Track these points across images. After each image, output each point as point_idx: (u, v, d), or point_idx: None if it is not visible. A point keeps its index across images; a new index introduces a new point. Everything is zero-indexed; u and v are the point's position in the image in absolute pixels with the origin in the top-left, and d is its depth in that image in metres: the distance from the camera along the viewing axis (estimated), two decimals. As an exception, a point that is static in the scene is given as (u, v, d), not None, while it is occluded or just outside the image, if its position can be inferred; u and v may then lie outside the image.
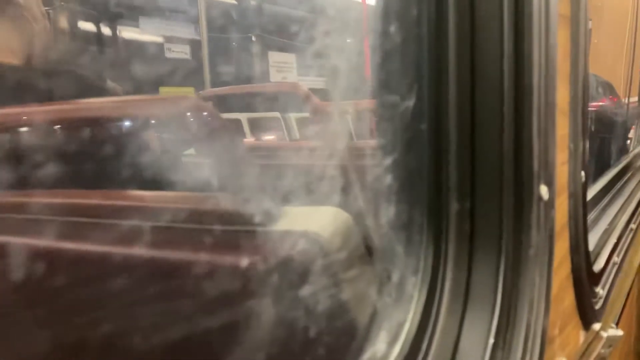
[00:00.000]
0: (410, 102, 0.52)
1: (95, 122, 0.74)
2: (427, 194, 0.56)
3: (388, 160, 0.53)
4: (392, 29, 0.51)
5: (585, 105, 0.75)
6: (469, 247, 0.56)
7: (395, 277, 0.53)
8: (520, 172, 0.55)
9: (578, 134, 0.73)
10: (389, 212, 0.54)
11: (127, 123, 0.76)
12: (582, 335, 0.80)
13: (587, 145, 0.78)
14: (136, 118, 0.74)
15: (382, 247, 0.56)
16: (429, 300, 0.54)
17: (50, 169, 0.73)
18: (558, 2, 0.62)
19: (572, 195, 0.73)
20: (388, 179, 0.53)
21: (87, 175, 0.79)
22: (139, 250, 0.80)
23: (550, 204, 0.59)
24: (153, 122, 0.71)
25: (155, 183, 0.84)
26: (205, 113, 0.76)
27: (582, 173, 0.75)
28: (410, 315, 0.53)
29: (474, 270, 0.56)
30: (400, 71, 0.53)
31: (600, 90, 2.04)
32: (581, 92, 0.73)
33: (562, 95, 0.70)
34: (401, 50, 0.52)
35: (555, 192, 0.60)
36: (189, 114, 0.74)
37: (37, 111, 0.77)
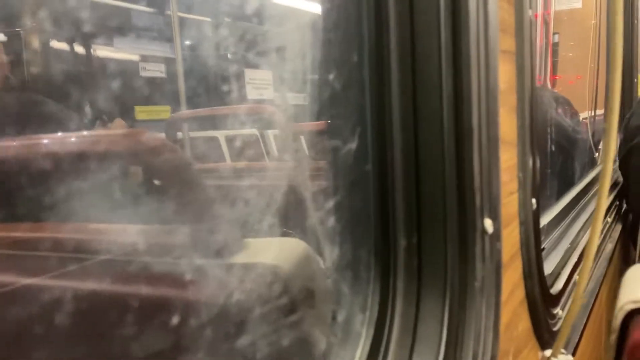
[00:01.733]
0: (353, 145, 0.54)
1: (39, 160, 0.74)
2: (374, 232, 0.57)
3: (332, 202, 0.54)
4: (332, 76, 0.52)
5: (533, 134, 0.77)
6: (417, 283, 0.58)
7: (342, 316, 0.54)
8: (463, 207, 0.57)
9: (527, 163, 0.75)
10: (334, 252, 0.55)
11: (80, 160, 0.76)
12: (539, 358, 0.82)
13: (538, 173, 0.80)
14: (87, 155, 0.74)
15: (329, 286, 0.57)
16: (377, 338, 0.55)
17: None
18: (500, 38, 0.64)
19: (523, 224, 0.74)
20: (333, 220, 0.54)
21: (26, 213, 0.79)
22: (104, 285, 0.80)
23: (495, 236, 0.61)
24: (103, 159, 0.72)
25: (117, 217, 0.84)
26: (160, 150, 0.77)
27: (533, 200, 0.77)
28: (358, 353, 0.54)
29: (421, 305, 0.57)
30: (342, 116, 0.54)
31: (560, 109, 2.09)
32: (529, 122, 0.75)
33: (510, 127, 0.72)
34: (342, 95, 0.53)
35: (500, 225, 0.62)
36: (142, 151, 0.75)
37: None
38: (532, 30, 0.77)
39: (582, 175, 2.00)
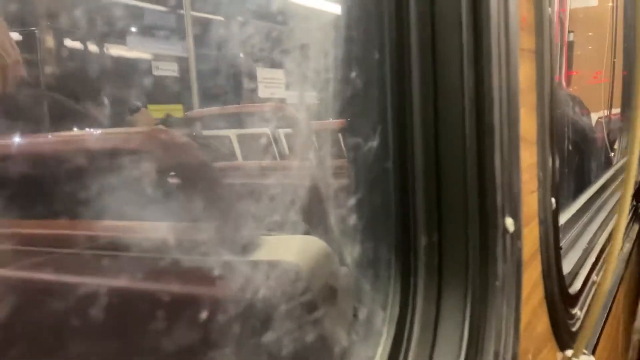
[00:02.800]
0: (374, 143, 0.54)
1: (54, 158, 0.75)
2: (395, 230, 0.57)
3: (354, 200, 0.54)
4: (354, 74, 0.52)
5: (553, 133, 0.76)
6: (438, 281, 0.58)
7: (363, 313, 0.54)
8: (484, 205, 0.57)
9: (547, 162, 0.74)
10: (355, 250, 0.55)
11: (92, 158, 0.76)
12: (558, 358, 0.82)
13: (557, 172, 0.79)
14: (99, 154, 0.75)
15: (350, 284, 0.57)
16: (398, 336, 0.55)
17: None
18: (521, 37, 0.64)
19: (542, 222, 0.74)
20: (354, 218, 0.54)
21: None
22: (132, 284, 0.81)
23: (516, 235, 0.60)
24: (117, 157, 0.72)
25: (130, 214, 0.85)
26: (175, 146, 0.77)
27: (553, 200, 0.77)
28: (379, 352, 0.54)
29: (442, 304, 0.57)
30: (364, 114, 0.54)
31: (572, 105, 2.08)
32: (548, 121, 0.75)
33: (529, 126, 0.72)
34: (364, 93, 0.53)
35: (521, 224, 0.62)
36: (157, 149, 0.75)
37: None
38: (552, 29, 0.76)
39: (597, 175, 1.98)
